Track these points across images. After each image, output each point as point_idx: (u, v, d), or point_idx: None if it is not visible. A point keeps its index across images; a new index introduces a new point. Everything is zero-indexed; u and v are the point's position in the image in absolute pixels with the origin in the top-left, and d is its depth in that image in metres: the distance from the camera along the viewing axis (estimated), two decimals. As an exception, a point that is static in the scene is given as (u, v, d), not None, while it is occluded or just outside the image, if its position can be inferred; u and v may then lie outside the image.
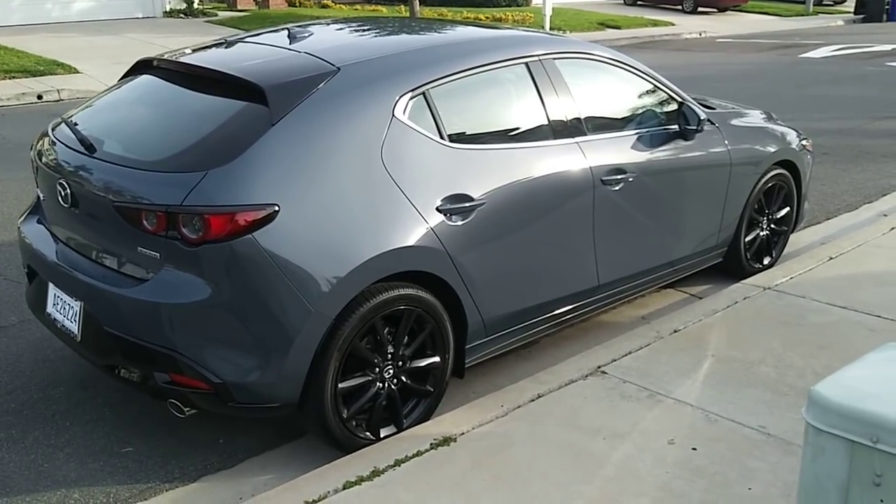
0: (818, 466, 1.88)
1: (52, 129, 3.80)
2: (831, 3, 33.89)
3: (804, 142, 5.61)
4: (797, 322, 4.48)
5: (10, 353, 4.29)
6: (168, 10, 19.18)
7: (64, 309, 3.49)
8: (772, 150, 5.23)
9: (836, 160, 8.64)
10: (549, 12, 18.46)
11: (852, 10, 30.58)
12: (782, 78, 14.94)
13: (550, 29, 17.87)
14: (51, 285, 3.59)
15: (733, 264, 5.29)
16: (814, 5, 31.47)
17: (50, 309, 3.60)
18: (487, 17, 20.23)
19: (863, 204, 7.22)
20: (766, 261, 5.50)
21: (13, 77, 12.00)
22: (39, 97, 11.15)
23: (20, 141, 8.43)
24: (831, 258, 5.40)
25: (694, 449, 3.31)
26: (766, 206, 5.38)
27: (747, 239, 5.30)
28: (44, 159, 3.68)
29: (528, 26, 16.63)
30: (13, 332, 4.51)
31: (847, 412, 1.84)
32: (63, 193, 3.43)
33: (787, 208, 5.55)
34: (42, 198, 3.79)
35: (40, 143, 3.82)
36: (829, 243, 5.89)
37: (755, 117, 5.49)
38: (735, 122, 5.16)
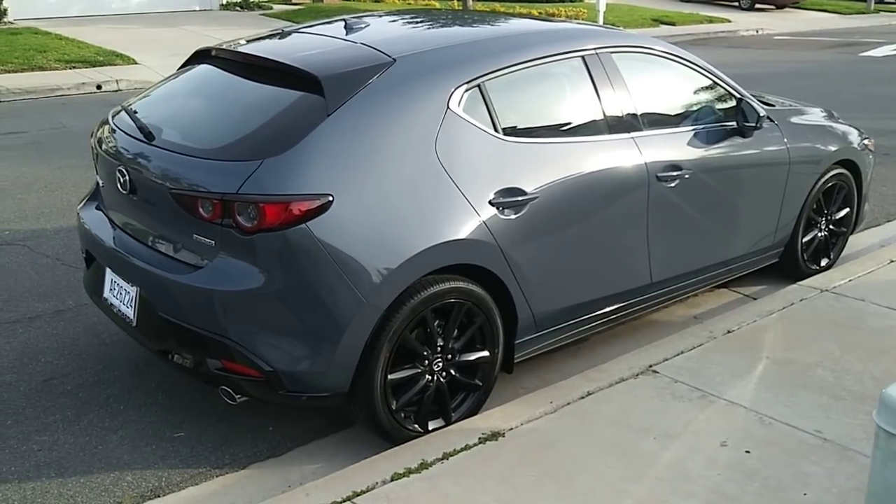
0: (889, 472, 1.82)
1: (112, 117, 3.86)
2: (894, 0, 33.03)
3: (866, 141, 5.47)
4: (855, 325, 4.37)
5: (66, 337, 4.37)
6: (224, 2, 19.42)
7: (120, 294, 3.55)
8: (832, 149, 5.10)
9: (898, 161, 8.41)
10: (602, 8, 18.26)
11: (916, 7, 29.78)
12: (842, 76, 14.60)
13: (604, 24, 17.69)
14: (108, 270, 3.65)
15: (790, 265, 5.19)
16: (875, 3, 30.71)
17: (107, 294, 3.66)
18: (540, 12, 20.11)
19: (925, 206, 7.03)
20: (824, 262, 5.38)
21: (73, 67, 12.26)
22: (99, 87, 11.37)
23: (79, 129, 8.62)
24: (892, 261, 5.26)
25: (747, 452, 3.24)
26: (825, 207, 5.26)
27: (805, 239, 5.19)
28: (104, 146, 3.74)
29: (580, 21, 16.50)
30: (70, 316, 4.60)
31: (920, 417, 1.78)
32: (122, 180, 3.48)
33: (847, 209, 5.41)
34: (101, 184, 3.86)
35: (100, 130, 3.88)
36: (889, 246, 5.74)
37: (816, 115, 5.37)
38: (795, 119, 5.05)
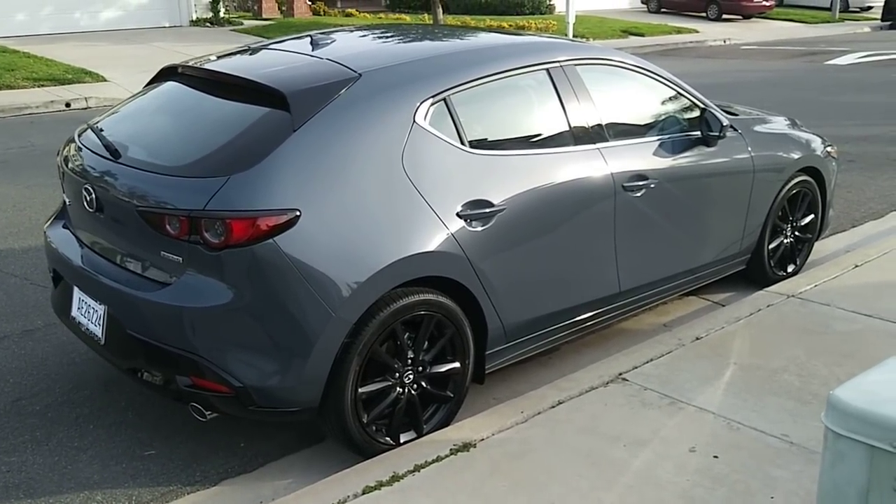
0: (837, 472, 1.86)
1: (79, 135, 3.85)
2: (857, 10, 33.59)
3: (829, 148, 5.56)
4: (821, 330, 4.43)
5: (35, 357, 4.34)
6: (194, 19, 19.38)
7: (88, 312, 3.53)
8: (796, 156, 5.18)
9: (862, 167, 8.55)
10: (572, 20, 18.44)
11: (879, 17, 30.29)
12: (808, 85, 14.82)
13: (573, 37, 17.85)
14: (76, 289, 3.63)
15: (757, 272, 5.25)
16: (840, 12, 31.21)
17: (75, 312, 3.64)
18: (511, 25, 20.26)
19: (889, 212, 7.14)
20: (791, 268, 5.45)
21: (42, 85, 12.17)
22: (67, 105, 11.30)
23: (48, 148, 8.54)
24: (857, 266, 5.34)
25: (715, 457, 3.28)
26: (791, 214, 5.34)
27: (771, 246, 5.26)
28: (70, 165, 3.73)
29: (551, 34, 16.63)
30: (39, 336, 4.56)
31: (867, 417, 1.82)
32: (88, 198, 3.47)
33: (812, 215, 5.49)
34: (68, 203, 3.84)
35: (67, 148, 3.87)
36: (854, 251, 5.83)
37: (779, 124, 5.45)
38: (758, 128, 5.13)
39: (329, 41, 4.06)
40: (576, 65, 4.12)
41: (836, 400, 1.84)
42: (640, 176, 4.17)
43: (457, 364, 3.60)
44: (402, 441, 3.47)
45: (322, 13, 22.14)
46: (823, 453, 1.91)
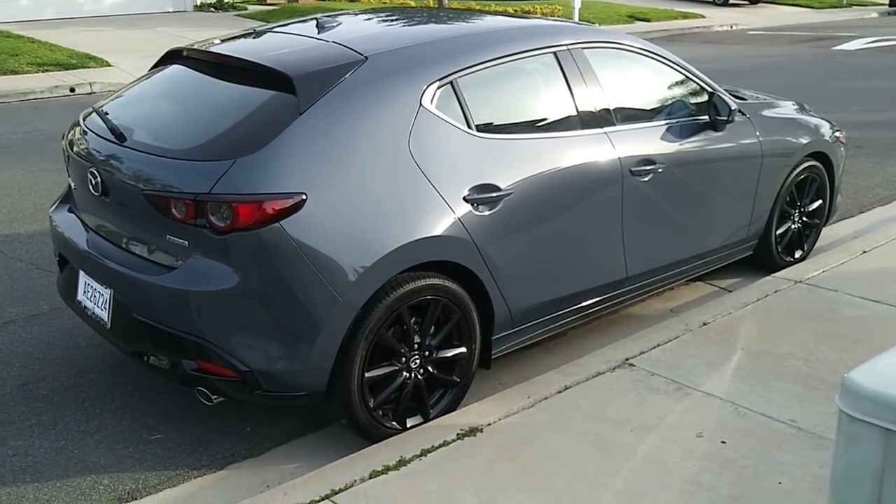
0: (851, 455, 1.85)
1: (84, 119, 3.84)
2: (866, -5, 33.34)
3: (837, 133, 5.52)
4: (829, 316, 4.41)
5: (41, 341, 4.34)
6: (199, 3, 19.31)
7: (94, 296, 3.52)
8: (804, 141, 5.15)
9: (870, 153, 8.50)
10: (577, 4, 18.32)
11: (887, 2, 30.07)
12: (815, 70, 14.73)
13: (579, 21, 17.75)
14: (81, 273, 3.63)
15: (764, 257, 5.23)
16: (848, -3, 30.99)
17: (80, 296, 3.64)
18: (516, 10, 20.15)
19: (897, 197, 7.11)
20: (798, 254, 5.43)
21: (46, 70, 12.14)
22: (72, 90, 11.27)
23: (53, 133, 8.54)
24: (864, 252, 5.32)
25: (723, 442, 3.27)
26: (798, 199, 5.31)
27: (778, 232, 5.23)
28: (75, 148, 3.72)
29: (555, 18, 16.53)
30: (45, 320, 4.56)
31: (882, 399, 1.80)
32: (93, 182, 3.46)
33: (820, 201, 5.46)
34: (73, 186, 3.83)
35: (72, 132, 3.86)
36: (862, 237, 5.80)
37: (787, 108, 5.41)
38: (767, 112, 5.10)
39: (335, 24, 4.03)
40: (583, 48, 4.09)
41: (850, 382, 1.83)
42: (648, 160, 4.15)
43: (463, 349, 3.59)
44: (408, 426, 3.47)
45: (327, -2, 22.01)
46: (837, 436, 1.89)
